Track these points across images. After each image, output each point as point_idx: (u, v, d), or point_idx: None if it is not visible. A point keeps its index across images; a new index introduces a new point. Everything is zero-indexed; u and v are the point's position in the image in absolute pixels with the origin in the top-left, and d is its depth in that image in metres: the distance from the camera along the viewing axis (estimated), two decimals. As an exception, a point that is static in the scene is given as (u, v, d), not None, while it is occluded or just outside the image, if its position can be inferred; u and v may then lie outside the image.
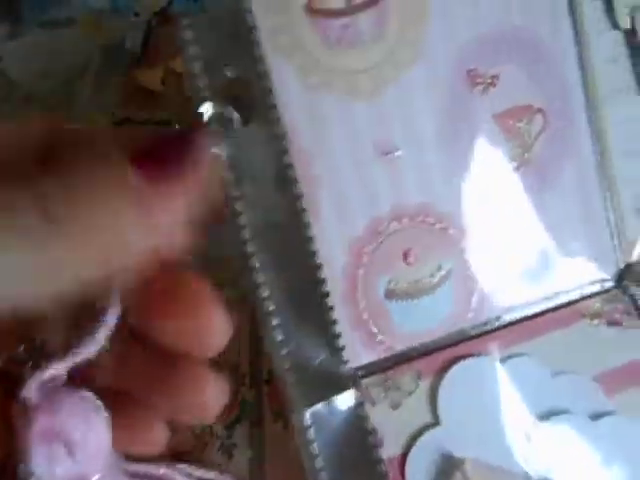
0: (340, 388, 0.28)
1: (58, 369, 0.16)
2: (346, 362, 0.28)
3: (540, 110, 0.29)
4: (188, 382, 0.18)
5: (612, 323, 0.32)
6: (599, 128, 0.29)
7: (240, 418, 0.32)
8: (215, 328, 0.17)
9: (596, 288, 0.32)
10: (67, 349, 0.17)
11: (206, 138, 0.15)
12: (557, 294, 0.31)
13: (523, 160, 0.29)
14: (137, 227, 0.13)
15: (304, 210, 0.26)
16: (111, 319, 0.17)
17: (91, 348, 0.17)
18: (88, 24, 0.32)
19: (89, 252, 0.13)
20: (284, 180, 0.25)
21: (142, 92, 0.32)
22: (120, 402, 0.18)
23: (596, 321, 0.32)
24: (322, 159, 0.26)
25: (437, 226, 0.28)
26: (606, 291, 0.32)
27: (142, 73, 0.32)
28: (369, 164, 0.27)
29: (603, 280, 0.32)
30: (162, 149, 0.14)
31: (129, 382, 0.18)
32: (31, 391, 0.16)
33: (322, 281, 0.27)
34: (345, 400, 0.28)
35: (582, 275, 0.31)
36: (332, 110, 0.26)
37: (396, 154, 0.26)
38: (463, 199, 0.28)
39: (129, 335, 0.18)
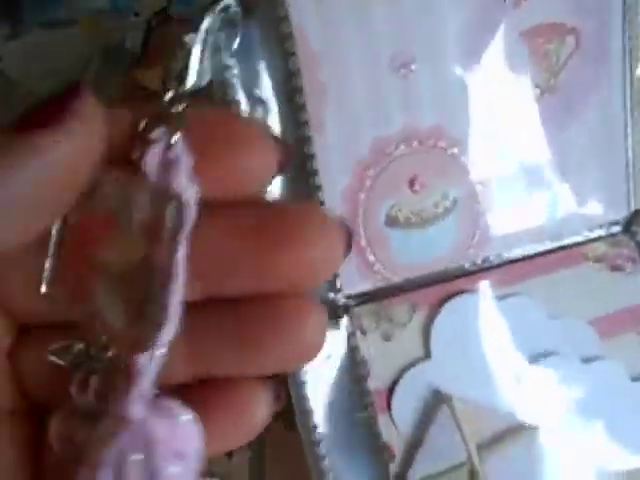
0: (331, 315, 0.27)
1: (150, 373, 0.15)
2: (340, 289, 0.27)
3: (573, 30, 0.26)
4: (289, 320, 0.16)
5: (615, 268, 0.31)
6: (636, 57, 0.27)
7: (240, 418, 0.32)
8: (334, 255, 0.16)
9: (603, 231, 0.30)
10: (141, 345, 0.15)
11: (84, 90, 0.16)
12: (562, 234, 0.29)
13: (548, 86, 0.26)
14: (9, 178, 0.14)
15: (306, 123, 0.23)
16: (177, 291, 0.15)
17: (169, 333, 0.15)
18: (88, 24, 0.32)
19: None
20: (288, 87, 0.23)
21: (142, 92, 0.31)
22: (202, 396, 0.17)
23: (599, 265, 0.31)
24: (331, 65, 0.23)
25: (449, 152, 0.25)
26: (613, 235, 0.31)
27: (142, 73, 0.31)
28: (382, 77, 0.24)
29: (611, 224, 0.30)
30: (45, 104, 0.15)
31: (208, 362, 0.17)
32: (132, 405, 0.15)
33: (321, 203, 0.25)
34: (335, 328, 0.27)
35: (590, 217, 0.30)
36: (347, 12, 0.23)
37: (412, 67, 0.24)
38: (479, 124, 0.26)
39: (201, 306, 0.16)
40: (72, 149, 0.14)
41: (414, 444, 0.28)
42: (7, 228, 0.14)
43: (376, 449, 0.28)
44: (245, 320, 0.16)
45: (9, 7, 0.31)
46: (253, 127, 0.17)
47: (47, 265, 0.15)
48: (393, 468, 0.28)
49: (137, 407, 0.15)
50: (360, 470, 0.28)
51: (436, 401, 0.28)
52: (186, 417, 0.16)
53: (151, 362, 0.15)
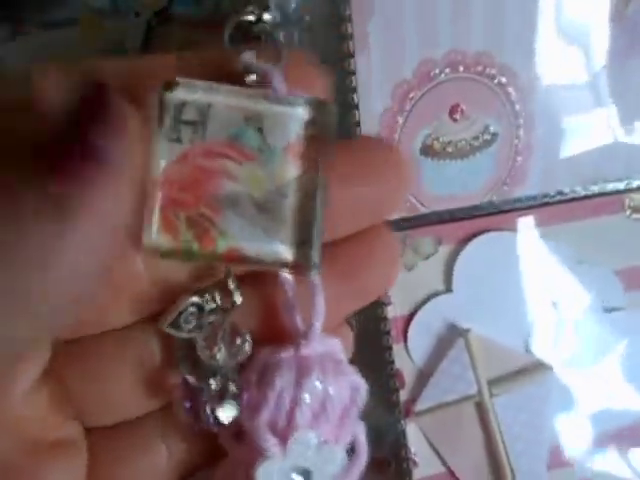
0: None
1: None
2: (367, 216, 0.26)
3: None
4: (377, 254, 0.16)
5: (651, 220, 0.30)
6: None
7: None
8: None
9: (646, 180, 0.29)
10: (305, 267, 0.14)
11: (114, 96, 0.12)
12: (603, 180, 0.28)
13: (617, 14, 0.24)
14: (68, 243, 0.11)
15: (350, 36, 0.22)
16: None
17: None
18: (88, 24, 0.31)
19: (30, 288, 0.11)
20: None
21: None
22: None
23: (636, 215, 0.29)
24: (380, -23, 0.22)
25: (496, 80, 0.24)
26: (655, 186, 0.29)
27: None
28: (433, -6, 0.23)
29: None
30: (71, 132, 0.11)
31: None
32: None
33: (356, 123, 0.24)
34: (360, 254, 0.26)
35: (633, 164, 0.28)
36: None
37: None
38: (533, 54, 0.24)
39: None
40: (117, 197, 0.12)
41: (426, 374, 0.28)
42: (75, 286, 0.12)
43: (387, 375, 0.28)
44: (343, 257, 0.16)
45: (9, 7, 0.30)
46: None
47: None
48: (403, 395, 0.28)
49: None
50: (370, 395, 0.29)
51: (452, 334, 0.28)
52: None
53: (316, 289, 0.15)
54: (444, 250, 0.27)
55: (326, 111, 0.14)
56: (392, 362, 0.28)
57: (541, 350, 0.29)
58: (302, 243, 0.14)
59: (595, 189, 0.28)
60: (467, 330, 0.28)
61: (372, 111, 0.24)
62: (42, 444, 0.14)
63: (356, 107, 0.24)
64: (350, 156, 0.15)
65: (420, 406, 0.28)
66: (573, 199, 0.28)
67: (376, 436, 0.29)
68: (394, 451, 0.29)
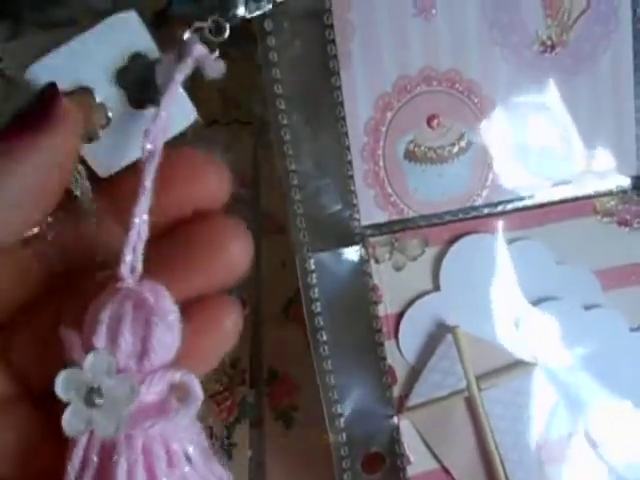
0: (348, 242, 0.28)
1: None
2: (357, 218, 0.28)
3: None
4: (210, 237, 0.18)
5: (622, 223, 0.32)
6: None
7: (240, 418, 0.32)
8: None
9: (613, 186, 0.31)
10: None
11: (58, 96, 0.16)
12: (573, 186, 0.30)
13: (560, 40, 0.28)
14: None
15: (335, 56, 0.25)
16: None
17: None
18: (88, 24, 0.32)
19: None
20: (317, 21, 0.24)
21: None
22: None
23: (607, 219, 0.31)
24: (360, 5, 0.25)
25: (465, 94, 0.27)
26: (623, 191, 0.31)
27: None
28: (406, 19, 0.26)
29: (622, 180, 0.31)
30: (20, 116, 0.16)
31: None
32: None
33: (344, 134, 0.27)
34: (351, 254, 0.28)
35: (602, 170, 0.30)
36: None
37: (433, 12, 0.25)
38: (494, 71, 0.27)
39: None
40: (54, 151, 0.15)
41: (417, 370, 0.30)
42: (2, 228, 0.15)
43: (380, 372, 0.29)
44: (176, 244, 0.18)
45: (9, 7, 0.31)
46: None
47: None
48: (395, 391, 0.29)
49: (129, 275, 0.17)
50: (364, 391, 0.30)
51: (441, 331, 0.30)
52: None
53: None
54: (431, 251, 0.29)
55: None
56: (384, 359, 0.29)
57: (525, 346, 0.30)
58: None
59: (568, 194, 0.31)
60: (455, 327, 0.29)
61: (357, 121, 0.26)
62: None
63: (343, 119, 0.27)
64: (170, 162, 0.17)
65: (412, 402, 0.29)
66: (548, 203, 0.30)
67: (371, 432, 0.30)
68: (388, 447, 0.30)
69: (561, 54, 0.28)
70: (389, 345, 0.29)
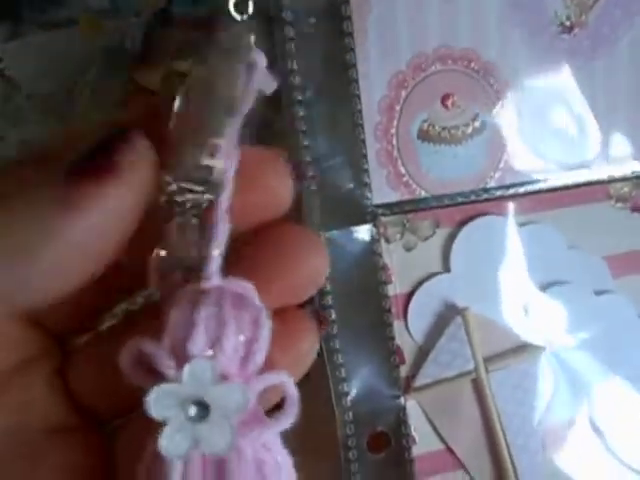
0: (359, 221, 0.28)
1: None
2: (369, 197, 0.28)
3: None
4: (291, 247, 0.17)
5: (636, 209, 0.31)
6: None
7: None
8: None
9: (628, 171, 0.31)
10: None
11: (140, 138, 0.15)
12: (587, 170, 0.30)
13: (579, 22, 0.27)
14: (66, 228, 0.14)
15: (350, 34, 0.25)
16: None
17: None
18: (88, 24, 0.31)
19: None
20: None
21: (142, 92, 0.31)
22: None
23: (620, 204, 0.31)
24: (378, -19, 0.25)
25: (481, 74, 0.27)
26: (638, 177, 0.31)
27: (142, 73, 0.31)
28: (424, -5, 0.25)
29: (636, 166, 0.31)
30: (95, 153, 0.15)
31: None
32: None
33: (359, 112, 0.26)
34: (362, 233, 0.28)
35: (617, 155, 0.30)
36: None
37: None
38: (511, 52, 0.27)
39: None
40: (121, 200, 0.14)
41: (425, 351, 0.30)
42: (63, 274, 0.14)
43: (388, 352, 0.29)
44: (254, 251, 0.17)
45: (9, 7, 0.31)
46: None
47: None
48: (402, 372, 0.29)
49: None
50: (372, 370, 0.30)
51: (450, 312, 0.29)
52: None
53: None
54: (442, 232, 0.29)
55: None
56: (392, 339, 0.29)
57: (532, 331, 0.30)
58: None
59: (582, 179, 0.30)
60: (465, 308, 0.29)
61: (371, 100, 0.26)
62: (58, 432, 0.16)
63: (358, 97, 0.26)
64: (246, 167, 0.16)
65: (419, 382, 0.29)
66: (561, 187, 0.30)
67: (377, 412, 0.30)
68: (394, 427, 0.30)
69: (579, 36, 0.28)
70: (398, 325, 0.29)
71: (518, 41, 0.27)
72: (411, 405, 0.30)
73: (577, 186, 0.30)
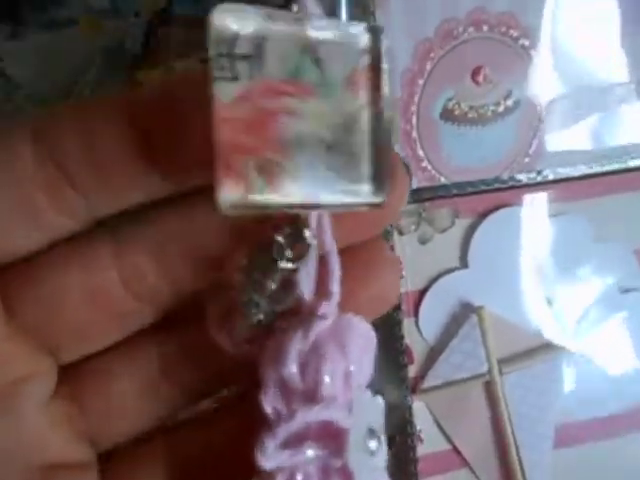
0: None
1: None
2: (382, 184, 0.25)
3: None
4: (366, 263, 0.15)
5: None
6: None
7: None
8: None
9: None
10: None
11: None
12: (624, 156, 0.27)
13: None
14: None
15: (371, -7, 0.21)
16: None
17: None
18: (88, 24, 0.31)
19: None
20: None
21: None
22: None
23: (656, 193, 0.28)
24: None
25: (520, 42, 0.23)
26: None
27: (142, 73, 0.30)
28: (460, -53, 0.21)
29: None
30: None
31: None
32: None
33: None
34: (373, 224, 0.25)
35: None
36: None
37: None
38: (557, 17, 0.23)
39: None
40: None
41: (436, 350, 0.27)
42: None
43: (397, 351, 0.27)
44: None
45: (9, 7, 0.30)
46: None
47: None
48: (411, 371, 0.27)
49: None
50: (379, 370, 0.27)
51: (465, 311, 0.27)
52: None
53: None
54: (461, 224, 0.26)
55: (380, 38, 0.13)
56: (402, 337, 0.27)
57: (555, 330, 0.27)
58: (375, 178, 0.12)
59: (616, 165, 0.27)
60: (480, 307, 0.27)
61: (393, 72, 0.22)
62: (56, 467, 0.14)
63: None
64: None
65: (428, 383, 0.27)
66: (595, 175, 0.27)
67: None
68: (400, 426, 0.28)
69: (630, 1, 0.24)
70: (408, 323, 0.27)
71: (565, 5, 0.23)
72: (418, 405, 0.27)
73: (610, 173, 0.27)
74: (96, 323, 0.14)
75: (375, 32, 0.12)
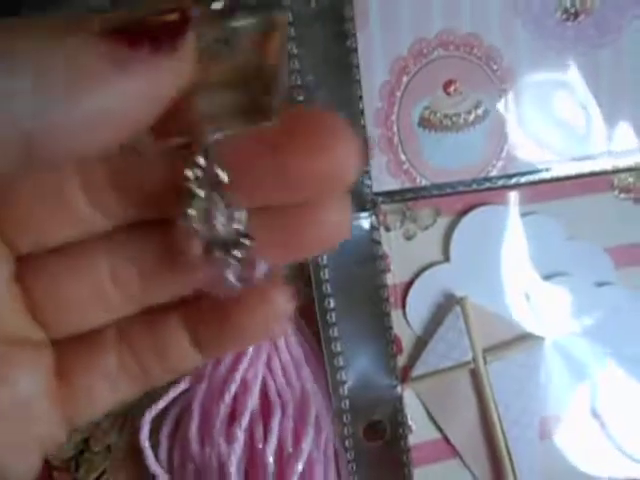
0: (358, 209, 0.27)
1: None
2: (369, 185, 0.27)
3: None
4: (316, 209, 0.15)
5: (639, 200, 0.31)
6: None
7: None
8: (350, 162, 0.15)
9: (632, 163, 0.30)
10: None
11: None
12: (591, 160, 0.29)
13: (584, 8, 0.26)
14: (110, 88, 0.13)
15: (352, 18, 0.24)
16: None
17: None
18: None
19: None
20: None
21: None
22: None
23: (624, 195, 0.30)
24: (380, -36, 0.24)
25: (484, 60, 0.26)
26: (641, 168, 0.30)
27: None
28: (427, -21, 0.25)
29: (641, 157, 0.30)
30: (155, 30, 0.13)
31: None
32: None
33: (359, 98, 0.26)
34: (361, 221, 0.28)
35: (620, 147, 0.29)
36: None
37: (457, -29, 0.24)
38: (515, 38, 0.26)
39: None
40: (171, 76, 0.13)
41: (423, 341, 0.29)
42: (92, 137, 0.13)
43: (386, 341, 0.29)
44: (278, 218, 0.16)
45: (9, 7, 0.30)
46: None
47: None
48: (400, 361, 0.29)
49: None
50: (369, 359, 0.29)
51: (449, 302, 0.29)
52: None
53: None
54: (443, 221, 0.29)
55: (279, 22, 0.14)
56: (390, 328, 0.29)
57: (533, 321, 0.29)
58: (263, 93, 0.14)
59: (585, 169, 0.29)
60: (463, 298, 0.29)
61: (372, 85, 0.25)
62: (9, 343, 0.15)
63: (358, 82, 0.26)
64: (296, 128, 0.15)
65: (417, 372, 0.29)
66: (564, 177, 0.29)
67: (373, 401, 0.30)
68: (390, 416, 0.29)
69: (584, 23, 0.27)
70: (396, 314, 0.29)
71: (522, 27, 0.26)
72: (408, 394, 0.29)
73: (580, 176, 0.29)
74: (48, 220, 0.15)
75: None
